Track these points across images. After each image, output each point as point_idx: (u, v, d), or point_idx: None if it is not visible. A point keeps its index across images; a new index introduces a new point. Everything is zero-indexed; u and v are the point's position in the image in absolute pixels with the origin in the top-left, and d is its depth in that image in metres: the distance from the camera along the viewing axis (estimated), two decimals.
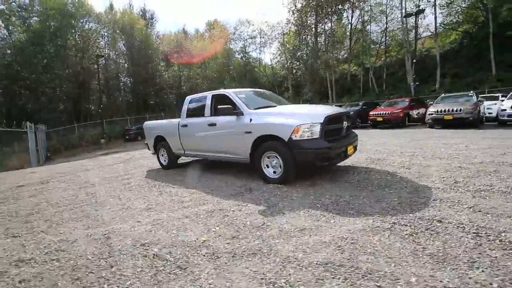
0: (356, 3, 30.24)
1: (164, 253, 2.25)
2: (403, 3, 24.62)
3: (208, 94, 5.19)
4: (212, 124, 4.86)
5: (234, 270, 1.92)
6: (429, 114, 10.92)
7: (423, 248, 1.99)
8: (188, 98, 5.70)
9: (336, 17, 32.39)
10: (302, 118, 3.78)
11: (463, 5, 23.86)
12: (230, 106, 4.47)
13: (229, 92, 4.87)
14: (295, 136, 3.71)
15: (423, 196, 3.05)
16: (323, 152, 3.67)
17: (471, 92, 11.82)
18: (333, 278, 1.73)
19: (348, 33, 32.40)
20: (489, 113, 11.15)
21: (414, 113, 13.08)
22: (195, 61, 40.23)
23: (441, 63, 21.98)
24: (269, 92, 5.95)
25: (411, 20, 24.61)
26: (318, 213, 2.82)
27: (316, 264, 1.90)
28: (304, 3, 32.63)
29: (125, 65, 34.74)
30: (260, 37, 40.69)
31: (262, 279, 1.79)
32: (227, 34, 41.15)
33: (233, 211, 3.11)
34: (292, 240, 2.28)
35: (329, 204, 3.06)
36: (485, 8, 21.91)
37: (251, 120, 4.22)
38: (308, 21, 33.44)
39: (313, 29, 33.42)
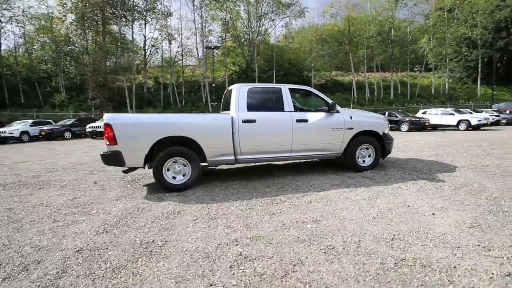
0: (137, 17, 30.04)
1: None
2: (197, 35, 29.53)
3: (283, 87, 4.54)
4: (303, 120, 4.45)
5: None
6: None
7: None
8: (243, 87, 4.36)
9: (124, 21, 30.18)
10: (383, 118, 5.14)
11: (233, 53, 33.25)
12: (331, 102, 4.59)
13: (311, 88, 4.80)
14: (386, 131, 4.99)
15: (459, 164, 5.76)
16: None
17: None
18: None
19: (142, 44, 31.48)
20: None
21: None
22: None
23: (222, 89, 29.10)
24: None
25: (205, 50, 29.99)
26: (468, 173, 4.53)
27: None
28: None
29: None
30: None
31: None
32: None
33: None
34: None
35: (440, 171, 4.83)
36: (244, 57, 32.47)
37: (351, 117, 4.72)
38: (94, 16, 28.04)
39: (101, 26, 28.56)
